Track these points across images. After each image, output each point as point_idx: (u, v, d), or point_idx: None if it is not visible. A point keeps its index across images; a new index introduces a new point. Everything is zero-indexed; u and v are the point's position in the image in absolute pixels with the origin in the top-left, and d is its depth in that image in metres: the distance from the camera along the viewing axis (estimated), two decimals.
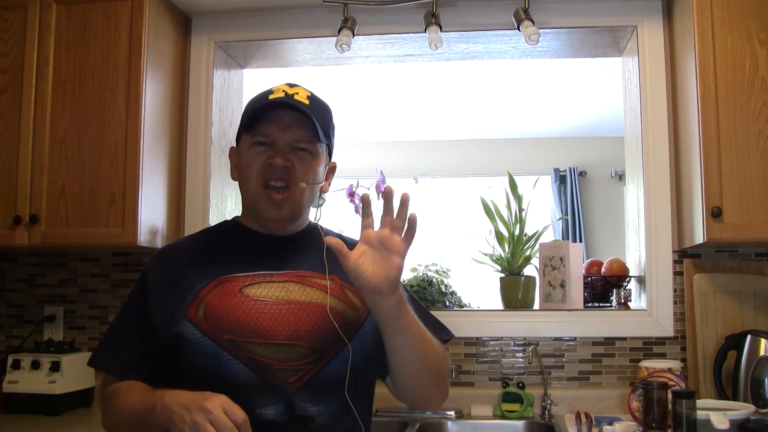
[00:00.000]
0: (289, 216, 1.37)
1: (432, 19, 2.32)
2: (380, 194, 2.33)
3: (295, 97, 1.35)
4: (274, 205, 1.34)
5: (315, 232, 1.45)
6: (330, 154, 1.46)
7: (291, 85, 1.38)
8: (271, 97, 1.35)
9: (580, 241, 5.55)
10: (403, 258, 1.17)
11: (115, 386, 1.32)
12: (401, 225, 1.17)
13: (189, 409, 1.10)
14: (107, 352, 1.38)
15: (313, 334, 1.29)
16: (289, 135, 1.34)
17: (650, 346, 2.30)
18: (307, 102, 1.35)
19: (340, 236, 1.48)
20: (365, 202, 1.20)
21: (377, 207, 1.22)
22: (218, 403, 1.10)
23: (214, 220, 2.49)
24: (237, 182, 1.43)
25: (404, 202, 1.18)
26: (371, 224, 1.20)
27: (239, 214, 1.49)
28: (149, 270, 1.38)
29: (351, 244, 1.46)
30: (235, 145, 1.45)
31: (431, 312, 1.50)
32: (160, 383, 1.27)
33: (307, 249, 1.41)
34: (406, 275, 2.60)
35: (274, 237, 1.41)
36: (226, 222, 1.52)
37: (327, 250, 1.39)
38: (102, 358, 1.38)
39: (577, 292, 2.35)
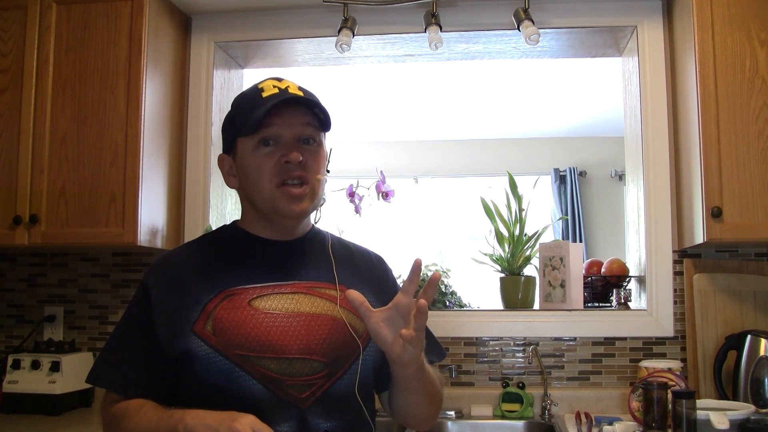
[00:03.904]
0: (310, 209, 1.34)
1: (432, 19, 2.32)
2: (380, 194, 2.34)
3: (289, 90, 1.31)
4: (295, 200, 1.29)
5: (320, 237, 1.43)
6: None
7: (278, 80, 1.34)
8: (265, 95, 1.30)
9: (580, 241, 5.55)
10: (418, 350, 1.17)
11: (121, 406, 1.24)
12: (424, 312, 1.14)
13: (217, 431, 1.06)
14: (110, 368, 1.29)
15: (325, 348, 1.26)
16: (295, 129, 1.30)
17: (650, 346, 2.30)
18: (301, 94, 1.31)
19: (344, 243, 1.47)
20: (416, 268, 1.17)
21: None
22: (247, 424, 1.06)
23: (214, 220, 2.50)
24: (234, 188, 1.38)
25: (434, 281, 1.15)
26: (413, 291, 1.17)
27: (238, 218, 1.43)
28: (150, 281, 1.30)
29: (355, 249, 1.46)
30: (222, 153, 1.39)
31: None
32: (165, 400, 1.23)
33: (313, 256, 1.37)
34: (406, 275, 2.59)
35: (278, 243, 1.36)
36: (225, 227, 1.44)
37: (335, 258, 1.38)
38: (104, 374, 1.30)
39: (577, 292, 2.35)
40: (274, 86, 1.31)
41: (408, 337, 1.13)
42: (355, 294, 1.17)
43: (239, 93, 1.41)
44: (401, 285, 1.19)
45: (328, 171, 1.42)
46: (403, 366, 1.19)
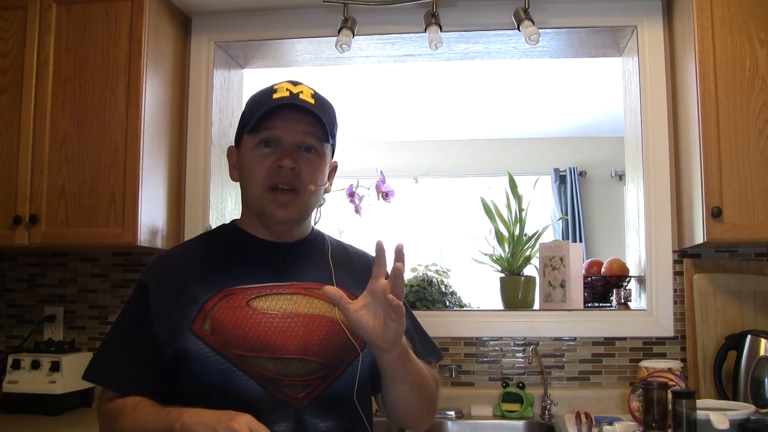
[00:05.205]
0: (297, 217, 1.33)
1: (432, 19, 2.32)
2: (380, 194, 2.33)
3: (300, 96, 1.31)
4: (282, 205, 1.29)
5: (319, 239, 1.43)
6: (333, 153, 1.41)
7: (294, 83, 1.34)
8: (275, 96, 1.30)
9: (580, 241, 5.55)
10: (400, 324, 1.15)
11: (118, 404, 1.24)
12: (400, 286, 1.15)
13: (214, 430, 1.06)
14: (106, 365, 1.29)
15: (323, 349, 1.26)
16: (296, 135, 1.30)
17: (650, 346, 2.30)
18: (312, 101, 1.31)
19: (343, 246, 1.48)
20: (379, 250, 1.17)
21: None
22: (245, 423, 1.06)
23: (214, 220, 2.50)
24: (237, 182, 1.38)
25: (398, 250, 1.14)
26: (383, 274, 1.17)
27: (238, 217, 1.44)
28: (148, 279, 1.31)
29: (353, 252, 1.46)
30: (233, 145, 1.41)
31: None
32: (162, 399, 1.23)
33: (311, 258, 1.38)
34: (406, 275, 2.59)
35: (277, 244, 1.36)
36: (224, 226, 1.44)
37: (333, 260, 1.38)
38: (101, 372, 1.30)
39: (577, 292, 2.35)
40: (287, 89, 1.32)
41: (393, 303, 1.11)
42: (332, 289, 1.16)
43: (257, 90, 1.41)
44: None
45: (325, 192, 1.41)
46: (387, 349, 1.18)
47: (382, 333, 1.15)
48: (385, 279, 1.16)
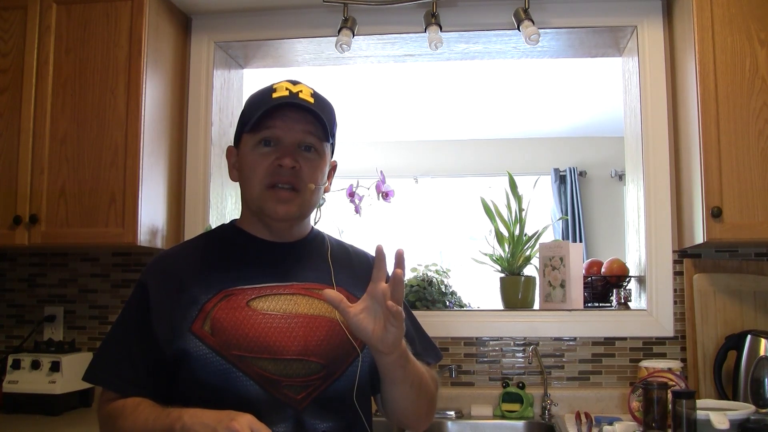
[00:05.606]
0: (298, 214, 1.33)
1: (432, 19, 2.32)
2: (380, 194, 2.34)
3: (300, 95, 1.30)
4: (282, 201, 1.29)
5: (319, 239, 1.43)
6: (332, 153, 1.42)
7: (293, 83, 1.33)
8: (274, 95, 1.30)
9: (580, 241, 5.55)
10: (400, 328, 1.16)
11: (118, 404, 1.24)
12: (400, 291, 1.16)
13: (215, 430, 1.06)
14: (107, 366, 1.29)
15: (323, 349, 1.26)
16: (296, 134, 1.30)
17: (650, 346, 2.30)
18: (311, 100, 1.31)
19: (343, 246, 1.48)
20: (379, 254, 1.17)
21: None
22: (246, 423, 1.06)
23: (214, 220, 2.50)
24: (236, 182, 1.39)
25: (399, 255, 1.15)
26: (383, 278, 1.17)
27: (237, 217, 1.44)
28: (148, 279, 1.31)
29: (353, 252, 1.47)
30: (232, 145, 1.41)
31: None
32: (162, 399, 1.23)
33: (311, 258, 1.38)
34: (406, 275, 2.59)
35: (277, 244, 1.36)
36: (224, 226, 1.44)
37: (333, 261, 1.38)
38: (101, 372, 1.29)
39: (577, 292, 2.35)
40: (287, 88, 1.31)
41: (393, 309, 1.11)
42: (332, 293, 1.16)
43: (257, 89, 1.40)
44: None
45: (324, 192, 1.41)
46: (387, 352, 1.18)
47: (382, 336, 1.15)
48: (386, 282, 1.16)
